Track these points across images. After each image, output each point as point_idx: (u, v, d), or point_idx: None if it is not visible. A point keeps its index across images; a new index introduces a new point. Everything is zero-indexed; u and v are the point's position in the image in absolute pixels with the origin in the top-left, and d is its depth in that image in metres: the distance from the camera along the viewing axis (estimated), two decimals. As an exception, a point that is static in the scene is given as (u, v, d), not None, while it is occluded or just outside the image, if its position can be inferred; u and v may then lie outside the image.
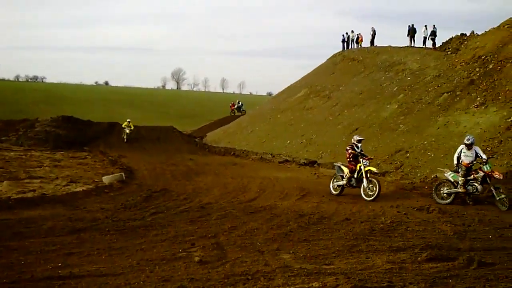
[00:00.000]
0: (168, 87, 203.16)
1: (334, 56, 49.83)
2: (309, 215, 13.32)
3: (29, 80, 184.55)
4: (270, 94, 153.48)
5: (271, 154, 31.71)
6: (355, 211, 14.20)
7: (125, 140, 37.95)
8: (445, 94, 27.35)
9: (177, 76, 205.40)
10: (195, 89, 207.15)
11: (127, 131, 37.89)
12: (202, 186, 18.79)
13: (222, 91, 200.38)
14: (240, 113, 53.14)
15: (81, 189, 17.04)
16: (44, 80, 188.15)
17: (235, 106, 57.62)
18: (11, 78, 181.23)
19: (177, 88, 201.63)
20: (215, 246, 9.68)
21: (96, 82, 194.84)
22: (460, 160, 16.13)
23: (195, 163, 26.83)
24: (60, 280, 7.44)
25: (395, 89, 32.37)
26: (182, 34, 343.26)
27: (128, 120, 31.66)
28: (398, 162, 22.90)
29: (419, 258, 8.84)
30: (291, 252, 9.32)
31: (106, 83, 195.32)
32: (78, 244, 9.80)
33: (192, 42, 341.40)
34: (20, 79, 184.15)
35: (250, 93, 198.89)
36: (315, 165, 26.59)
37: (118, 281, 7.45)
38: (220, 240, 10.24)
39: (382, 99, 31.94)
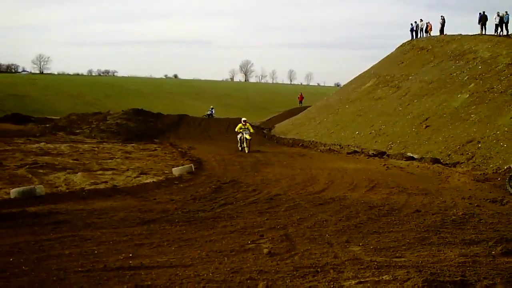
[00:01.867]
0: (236, 79, 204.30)
1: (403, 45, 48.94)
2: (379, 206, 13.14)
3: (101, 74, 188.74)
4: (338, 85, 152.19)
5: (340, 145, 31.46)
6: (426, 202, 13.90)
7: (246, 150, 28.04)
8: (519, 82, 26.56)
9: (245, 68, 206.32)
10: (262, 81, 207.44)
11: (247, 136, 28.14)
12: (271, 177, 18.76)
13: (289, 83, 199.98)
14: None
15: (151, 181, 17.30)
16: (115, 74, 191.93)
17: (208, 113, 55.75)
18: (84, 73, 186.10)
19: (245, 80, 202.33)
20: (284, 238, 9.66)
21: (165, 75, 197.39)
22: None
23: (264, 154, 26.83)
24: (131, 271, 7.56)
25: (465, 78, 31.56)
26: (249, 27, 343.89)
27: (243, 119, 26.40)
28: (470, 153, 22.34)
29: (493, 252, 8.61)
30: (360, 244, 9.21)
31: (175, 76, 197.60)
32: (148, 235, 9.93)
33: (260, 34, 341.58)
34: (93, 74, 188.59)
35: (318, 84, 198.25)
36: (384, 156, 26.20)
37: (188, 272, 7.50)
38: (289, 232, 10.21)
39: (453, 89, 31.19)
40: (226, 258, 8.27)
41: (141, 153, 25.85)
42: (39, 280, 7.04)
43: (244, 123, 28.65)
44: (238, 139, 28.81)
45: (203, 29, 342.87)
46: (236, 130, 29.11)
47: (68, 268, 7.64)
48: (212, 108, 55.71)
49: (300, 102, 67.99)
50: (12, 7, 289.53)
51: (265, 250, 8.69)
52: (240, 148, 28.63)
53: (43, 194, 14.10)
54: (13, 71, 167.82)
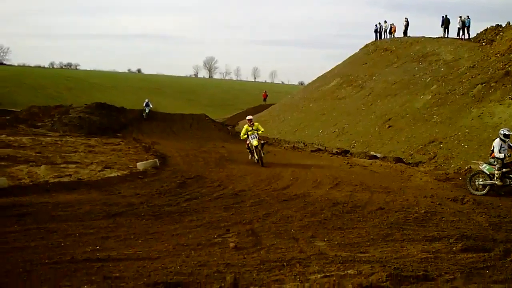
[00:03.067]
0: (200, 75, 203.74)
1: (367, 46, 49.59)
2: (343, 203, 13.31)
3: (64, 67, 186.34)
4: (302, 83, 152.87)
5: (304, 143, 31.73)
6: (389, 200, 14.13)
7: (256, 161, 32.43)
8: (479, 85, 27.14)
9: (209, 65, 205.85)
10: (227, 78, 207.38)
11: (254, 141, 27.41)
12: (235, 173, 18.83)
13: (254, 80, 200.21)
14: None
15: (115, 175, 17.21)
16: (78, 67, 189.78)
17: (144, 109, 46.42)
18: (46, 65, 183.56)
19: (209, 76, 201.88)
20: (250, 233, 9.76)
21: (129, 70, 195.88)
22: (498, 153, 15.91)
23: (228, 150, 26.89)
24: (99, 262, 7.57)
25: (428, 79, 32.16)
26: (214, 23, 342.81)
27: (248, 117, 24.41)
28: (432, 153, 22.79)
29: (454, 248, 8.83)
30: (325, 239, 9.36)
31: (139, 70, 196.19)
32: (114, 228, 9.94)
33: (224, 31, 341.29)
34: (55, 66, 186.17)
35: (282, 82, 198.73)
36: (347, 155, 26.51)
37: (155, 265, 7.55)
38: (254, 227, 10.31)
39: (416, 90, 31.75)
40: (193, 252, 8.34)
41: (104, 147, 25.66)
42: (5, 271, 7.00)
43: (250, 123, 22.75)
44: (247, 147, 23.15)
45: (167, 24, 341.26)
46: (241, 136, 23.19)
47: (35, 260, 7.60)
48: (147, 101, 44.41)
49: (264, 99, 68.29)
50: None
51: (232, 244, 8.76)
52: (251, 158, 23.06)
53: (5, 186, 13.93)
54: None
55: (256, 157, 22.31)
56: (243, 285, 6.66)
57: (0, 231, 9.33)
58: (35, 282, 6.63)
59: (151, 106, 43.82)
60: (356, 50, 51.60)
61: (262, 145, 22.64)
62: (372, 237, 9.64)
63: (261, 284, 6.75)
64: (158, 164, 19.65)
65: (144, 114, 42.78)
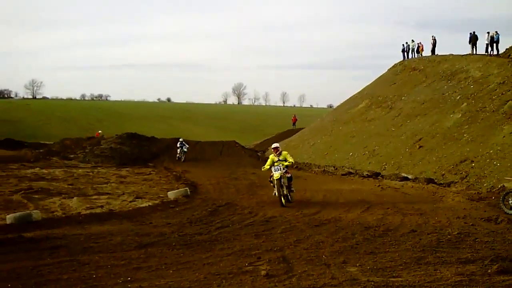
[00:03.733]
0: (229, 102, 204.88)
1: (395, 66, 49.31)
2: (375, 227, 13.19)
3: (94, 98, 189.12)
4: (330, 106, 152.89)
5: (334, 167, 31.59)
6: (421, 222, 13.95)
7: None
8: (510, 101, 26.74)
9: (238, 91, 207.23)
10: (256, 103, 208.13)
11: (276, 174, 21.01)
12: (266, 200, 18.77)
13: (282, 105, 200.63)
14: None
15: (147, 205, 17.33)
16: (108, 98, 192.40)
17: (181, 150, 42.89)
18: (77, 97, 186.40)
19: (238, 103, 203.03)
20: (281, 260, 9.67)
21: (158, 99, 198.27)
22: None
23: (258, 176, 26.85)
24: (131, 294, 7.57)
25: (458, 97, 31.80)
26: (242, 50, 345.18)
27: (274, 146, 20.19)
28: (464, 172, 22.48)
29: (489, 271, 8.64)
30: (357, 264, 9.25)
31: (169, 99, 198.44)
32: (146, 259, 9.94)
33: (252, 57, 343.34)
34: (86, 98, 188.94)
35: (311, 105, 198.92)
36: (378, 177, 26.33)
37: (186, 295, 7.52)
38: (286, 254, 10.23)
39: (445, 109, 31.42)
40: (224, 281, 8.29)
41: (136, 177, 25.90)
42: (38, 305, 7.06)
43: (276, 152, 18.77)
44: (270, 180, 18.90)
45: (195, 53, 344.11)
46: (264, 167, 19.09)
47: (66, 293, 7.64)
48: (182, 141, 39.41)
49: (294, 124, 68.17)
50: (5, 33, 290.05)
51: (263, 272, 8.70)
52: (274, 194, 18.40)
53: (39, 219, 14.11)
54: (6, 96, 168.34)
55: (276, 193, 17.99)
56: (274, 313, 6.61)
57: (34, 264, 9.40)
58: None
59: (187, 146, 38.66)
60: (384, 70, 51.40)
61: (289, 179, 18.42)
62: (404, 260, 9.51)
63: (293, 312, 6.69)
64: (189, 192, 19.70)
65: (181, 156, 37.77)
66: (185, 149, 37.75)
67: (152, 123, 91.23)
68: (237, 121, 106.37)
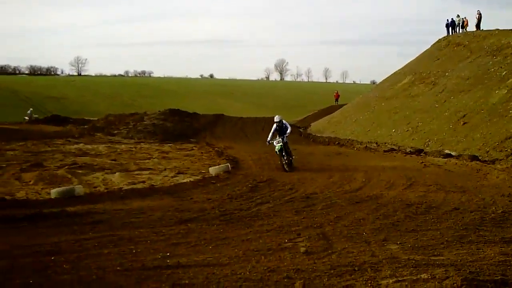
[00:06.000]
0: (271, 78, 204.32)
1: (439, 41, 48.45)
2: (416, 204, 12.99)
3: (137, 75, 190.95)
4: (373, 82, 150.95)
5: (376, 143, 31.29)
6: (464, 200, 13.70)
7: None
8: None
9: (280, 67, 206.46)
10: (298, 79, 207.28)
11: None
12: (307, 176, 18.67)
13: (325, 81, 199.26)
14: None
15: (188, 180, 17.42)
16: (151, 75, 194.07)
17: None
18: (121, 74, 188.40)
19: (281, 79, 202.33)
20: (320, 237, 9.62)
21: (201, 75, 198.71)
22: None
23: (300, 153, 26.74)
24: (169, 270, 7.59)
25: (503, 73, 31.05)
26: (285, 25, 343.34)
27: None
28: (509, 150, 21.96)
29: (534, 250, 8.46)
30: (398, 242, 9.13)
31: (211, 76, 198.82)
32: (185, 235, 9.99)
33: (294, 33, 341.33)
34: (130, 75, 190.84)
35: (354, 81, 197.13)
36: (421, 154, 25.95)
37: (225, 271, 7.51)
38: (325, 231, 10.17)
39: (490, 85, 30.72)
40: (263, 257, 8.27)
41: (178, 152, 26.06)
42: (79, 278, 7.13)
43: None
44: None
45: (238, 29, 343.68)
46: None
47: (107, 267, 7.72)
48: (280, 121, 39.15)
49: (336, 100, 67.81)
50: (51, 10, 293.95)
51: (302, 249, 8.66)
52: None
53: (82, 194, 14.34)
54: (52, 73, 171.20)
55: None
56: (313, 291, 6.55)
57: (76, 238, 9.55)
58: (107, 288, 6.72)
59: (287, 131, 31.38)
60: (428, 46, 50.58)
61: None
62: (446, 239, 9.35)
63: (331, 290, 6.63)
64: (230, 168, 19.72)
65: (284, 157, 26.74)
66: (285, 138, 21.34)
67: (194, 99, 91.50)
68: (279, 97, 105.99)
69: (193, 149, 28.07)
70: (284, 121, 21.39)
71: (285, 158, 20.57)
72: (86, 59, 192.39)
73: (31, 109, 57.08)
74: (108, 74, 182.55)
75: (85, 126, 40.38)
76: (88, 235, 9.87)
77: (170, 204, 13.44)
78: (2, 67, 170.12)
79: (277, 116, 21.64)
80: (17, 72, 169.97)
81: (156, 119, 38.85)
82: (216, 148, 28.21)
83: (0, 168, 19.28)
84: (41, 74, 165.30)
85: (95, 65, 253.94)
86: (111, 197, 14.32)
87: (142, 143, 30.38)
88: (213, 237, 9.72)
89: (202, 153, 26.42)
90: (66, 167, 19.47)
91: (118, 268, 7.67)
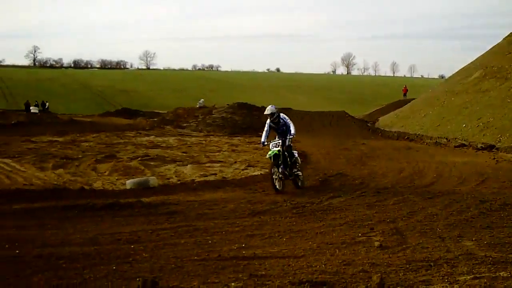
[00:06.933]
0: (338, 72, 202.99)
1: (510, 35, 47.19)
2: (491, 201, 12.73)
3: (205, 69, 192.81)
4: (442, 76, 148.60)
5: (446, 138, 30.79)
6: (541, 197, 13.41)
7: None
8: None
9: (347, 61, 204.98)
10: (365, 73, 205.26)
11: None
12: (377, 171, 18.57)
13: (392, 75, 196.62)
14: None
15: (259, 173, 17.59)
16: (218, 68, 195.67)
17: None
18: (189, 68, 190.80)
19: (347, 73, 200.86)
20: (394, 231, 9.58)
21: (267, 69, 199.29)
22: None
23: (368, 147, 26.60)
24: (245, 260, 7.72)
25: None
26: (351, 20, 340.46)
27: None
28: None
29: None
30: (473, 239, 8.99)
31: (278, 70, 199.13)
32: (259, 226, 10.13)
33: (361, 27, 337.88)
34: (197, 68, 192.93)
35: (422, 76, 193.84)
36: (493, 150, 25.44)
37: (300, 263, 7.59)
38: (399, 225, 10.12)
39: None
40: (337, 250, 8.31)
41: (247, 146, 26.28)
42: (159, 267, 7.34)
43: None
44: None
45: (304, 23, 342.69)
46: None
47: (185, 256, 7.91)
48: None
49: (404, 94, 66.85)
50: (124, 5, 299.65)
51: (376, 243, 8.65)
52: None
53: (156, 185, 14.68)
54: (122, 67, 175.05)
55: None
56: (390, 285, 6.51)
57: (153, 228, 9.84)
58: (186, 278, 6.87)
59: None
60: (498, 40, 49.31)
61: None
62: (524, 236, 9.18)
63: (408, 285, 6.58)
64: (300, 162, 19.72)
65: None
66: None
67: (261, 93, 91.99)
68: (346, 92, 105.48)
69: (261, 143, 28.21)
70: (282, 115, 15.16)
71: (280, 170, 14.46)
72: (155, 53, 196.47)
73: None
74: (176, 68, 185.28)
75: (155, 119, 41.19)
76: (164, 225, 10.16)
77: (242, 196, 13.65)
78: (75, 62, 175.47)
79: (269, 107, 15.06)
80: (89, 66, 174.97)
81: (224, 113, 39.24)
82: (284, 142, 28.27)
83: (77, 159, 19.88)
84: (111, 68, 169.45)
85: (163, 59, 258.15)
86: (184, 188, 14.69)
87: (211, 136, 30.79)
88: (286, 230, 9.83)
89: (270, 146, 26.51)
90: (139, 158, 19.97)
91: (195, 257, 7.85)
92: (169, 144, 25.45)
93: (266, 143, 15.24)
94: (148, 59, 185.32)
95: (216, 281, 6.71)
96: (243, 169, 18.34)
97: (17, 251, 7.92)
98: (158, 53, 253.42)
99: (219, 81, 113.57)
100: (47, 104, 63.17)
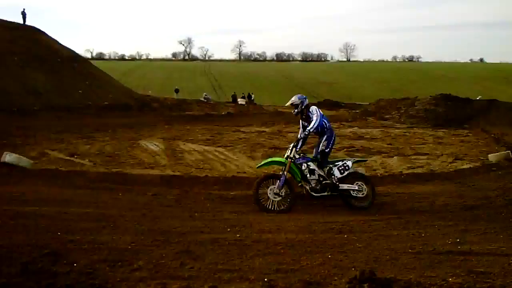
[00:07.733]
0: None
1: None
2: None
3: (406, 60, 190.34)
4: None
5: None
6: None
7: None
8: None
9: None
10: None
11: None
12: None
13: None
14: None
15: (467, 166, 17.03)
16: (419, 59, 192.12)
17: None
18: (389, 59, 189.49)
19: None
20: None
21: (470, 60, 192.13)
22: None
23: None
24: (461, 256, 7.51)
25: None
26: None
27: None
28: None
29: None
30: None
31: (481, 60, 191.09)
32: (472, 221, 9.84)
33: None
34: (397, 60, 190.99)
35: None
36: None
37: (522, 264, 7.25)
38: None
39: None
40: None
41: (452, 138, 25.57)
42: (374, 257, 7.39)
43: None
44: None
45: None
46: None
47: (398, 249, 7.88)
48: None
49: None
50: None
51: None
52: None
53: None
54: (323, 59, 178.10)
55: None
56: None
57: (365, 218, 10.03)
58: (402, 270, 6.84)
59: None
60: None
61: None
62: None
63: None
64: (511, 155, 18.86)
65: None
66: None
67: (464, 84, 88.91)
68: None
69: (467, 135, 27.26)
70: (313, 108, 11.94)
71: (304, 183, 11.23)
72: (355, 45, 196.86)
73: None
74: (376, 59, 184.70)
75: (357, 111, 41.39)
76: (375, 216, 10.27)
77: (452, 190, 13.37)
78: (277, 55, 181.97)
79: (294, 96, 12.13)
80: (291, 59, 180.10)
81: (427, 104, 38.42)
82: (492, 135, 27.09)
83: (284, 148, 20.48)
84: (312, 61, 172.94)
85: (363, 51, 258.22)
86: (392, 180, 14.69)
87: (414, 128, 30.38)
88: (502, 227, 9.41)
89: (477, 139, 25.52)
90: (345, 149, 20.20)
91: (409, 250, 7.80)
92: (373, 136, 25.47)
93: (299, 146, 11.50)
94: (349, 51, 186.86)
95: (433, 275, 6.59)
96: (450, 162, 17.85)
97: (238, 235, 8.38)
98: (358, 45, 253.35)
99: (420, 72, 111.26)
100: (252, 96, 66.22)
